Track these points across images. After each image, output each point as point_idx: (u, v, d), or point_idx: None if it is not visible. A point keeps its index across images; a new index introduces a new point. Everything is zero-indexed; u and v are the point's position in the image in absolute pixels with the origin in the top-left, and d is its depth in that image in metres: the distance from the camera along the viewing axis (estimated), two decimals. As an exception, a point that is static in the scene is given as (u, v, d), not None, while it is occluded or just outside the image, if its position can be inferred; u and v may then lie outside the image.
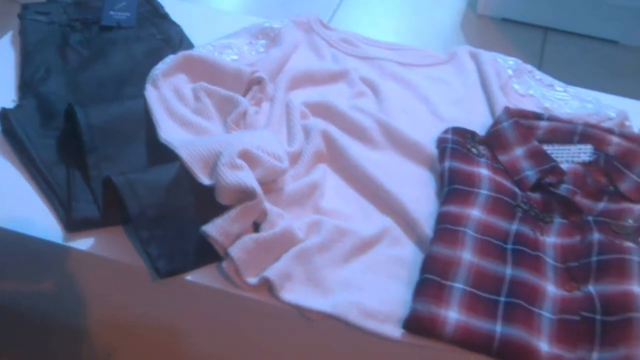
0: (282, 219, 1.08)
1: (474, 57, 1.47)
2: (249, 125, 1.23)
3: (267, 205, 1.07)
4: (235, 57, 1.40)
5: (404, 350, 1.00)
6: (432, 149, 1.24)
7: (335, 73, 1.40)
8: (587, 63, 2.50)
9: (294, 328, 1.04)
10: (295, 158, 1.20)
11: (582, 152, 1.22)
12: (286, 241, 1.05)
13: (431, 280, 1.01)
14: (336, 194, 1.18)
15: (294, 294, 1.02)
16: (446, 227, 1.08)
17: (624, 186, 1.16)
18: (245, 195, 1.05)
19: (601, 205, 1.14)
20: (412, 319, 0.98)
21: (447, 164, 1.18)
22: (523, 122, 1.25)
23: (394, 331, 0.99)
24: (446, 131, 1.25)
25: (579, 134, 1.25)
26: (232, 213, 1.04)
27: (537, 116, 1.27)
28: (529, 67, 1.45)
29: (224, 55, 1.39)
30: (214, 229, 1.03)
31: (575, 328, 0.97)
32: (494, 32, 2.59)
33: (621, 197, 1.16)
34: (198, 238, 1.05)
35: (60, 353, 1.28)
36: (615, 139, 1.24)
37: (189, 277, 1.06)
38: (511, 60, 1.45)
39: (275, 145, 1.14)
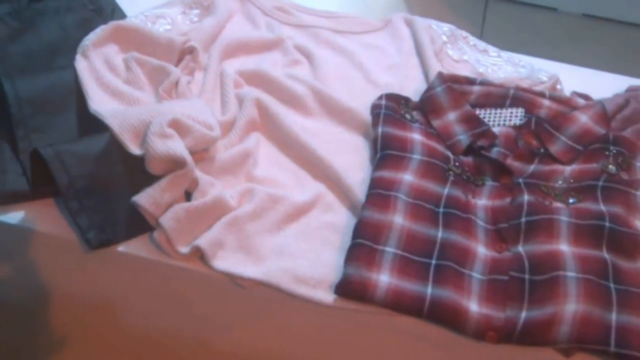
0: (214, 187, 1.07)
1: (409, 24, 1.47)
2: (180, 95, 1.21)
3: (198, 173, 1.07)
4: (168, 27, 1.38)
5: (337, 315, 1.00)
6: (366, 115, 1.24)
7: (270, 41, 1.39)
8: (528, 30, 2.52)
9: (227, 296, 1.04)
10: (228, 127, 1.20)
11: (514, 116, 1.23)
12: (218, 209, 1.05)
13: (363, 244, 1.01)
14: (270, 162, 1.18)
15: (226, 261, 1.02)
16: (378, 192, 1.08)
17: (554, 148, 1.18)
18: (175, 164, 1.04)
19: (532, 168, 1.16)
20: (343, 283, 0.98)
21: (380, 129, 1.18)
22: (456, 87, 1.26)
23: (326, 296, 0.99)
24: (380, 97, 1.25)
25: (510, 97, 1.26)
26: (162, 182, 1.03)
27: (470, 81, 1.28)
28: (463, 33, 1.46)
29: (156, 26, 1.37)
30: (144, 198, 1.02)
31: (505, 288, 0.99)
32: (435, 2, 2.60)
33: (552, 159, 1.17)
34: (129, 208, 1.04)
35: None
36: (546, 102, 1.25)
37: (120, 248, 1.05)
38: (445, 27, 1.45)
39: (206, 114, 1.13)
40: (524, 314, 0.96)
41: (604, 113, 1.23)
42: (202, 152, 1.11)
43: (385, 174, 1.11)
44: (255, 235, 1.04)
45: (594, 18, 2.63)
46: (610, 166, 1.15)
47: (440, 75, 1.27)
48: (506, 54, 1.43)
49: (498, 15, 2.57)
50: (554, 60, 1.46)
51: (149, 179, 1.05)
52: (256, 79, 1.28)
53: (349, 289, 0.98)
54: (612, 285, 0.99)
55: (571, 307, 0.95)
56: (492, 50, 1.44)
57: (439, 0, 2.60)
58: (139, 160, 1.06)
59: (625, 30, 2.61)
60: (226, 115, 1.20)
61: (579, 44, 2.48)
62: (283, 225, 1.07)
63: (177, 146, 1.04)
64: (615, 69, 1.49)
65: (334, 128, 1.24)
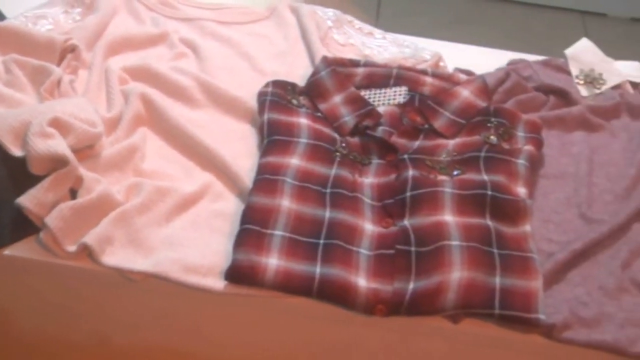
0: (99, 183, 1.06)
1: (295, 11, 1.48)
2: (63, 94, 1.20)
3: (83, 171, 1.06)
4: (50, 27, 1.36)
5: (229, 302, 1.00)
6: (253, 104, 1.25)
7: (154, 36, 1.38)
8: (423, 14, 2.57)
9: (119, 291, 1.03)
10: (114, 123, 1.19)
11: (398, 94, 1.26)
12: (105, 205, 1.04)
13: (251, 230, 1.02)
14: (158, 156, 1.17)
15: (116, 257, 1.01)
16: (265, 177, 1.09)
17: (438, 123, 1.20)
18: (58, 163, 1.03)
19: (417, 144, 1.18)
20: (232, 269, 0.99)
21: (266, 116, 1.19)
22: (340, 70, 1.28)
23: (217, 283, 1.00)
24: (267, 85, 1.26)
25: (394, 77, 1.28)
26: (45, 182, 1.02)
27: (354, 63, 1.30)
28: (348, 17, 1.48)
29: (38, 26, 1.35)
30: (28, 200, 1.01)
31: (391, 261, 1.01)
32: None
33: (436, 134, 1.20)
34: (13, 211, 1.02)
35: None
36: (429, 80, 1.28)
37: (7, 251, 1.03)
38: (330, 12, 1.47)
39: (88, 111, 1.12)
40: (411, 286, 0.98)
41: (485, 87, 1.27)
42: (86, 150, 1.10)
43: (272, 159, 1.12)
44: (144, 229, 1.04)
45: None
46: (492, 137, 1.18)
47: (324, 59, 1.29)
48: (391, 36, 1.45)
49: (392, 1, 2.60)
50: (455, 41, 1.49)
51: (33, 180, 1.03)
52: (141, 74, 1.28)
53: (239, 274, 0.98)
54: (495, 250, 1.02)
55: (456, 274, 0.97)
56: (378, 32, 1.46)
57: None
58: (22, 162, 1.04)
59: (514, 9, 2.68)
60: (112, 112, 1.19)
61: (468, 26, 2.54)
62: (172, 217, 1.07)
63: (59, 145, 1.03)
64: (504, 47, 1.52)
65: (221, 118, 1.24)
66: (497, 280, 0.99)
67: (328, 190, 1.09)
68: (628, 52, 1.57)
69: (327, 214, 1.05)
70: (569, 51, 1.45)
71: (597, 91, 1.38)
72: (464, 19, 2.58)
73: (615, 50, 1.50)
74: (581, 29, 2.61)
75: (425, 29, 2.44)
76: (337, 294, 0.97)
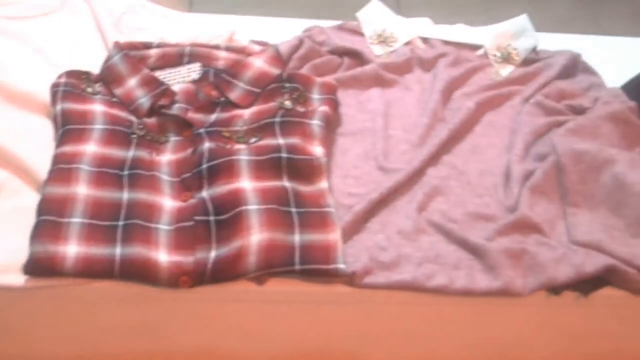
0: None
1: (87, 1, 1.46)
2: None
3: None
4: None
5: (33, 296, 0.99)
6: (47, 96, 1.22)
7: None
8: None
9: None
10: None
11: (192, 72, 1.27)
12: None
13: (47, 221, 1.01)
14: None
15: None
16: (60, 167, 1.08)
17: (234, 95, 1.22)
18: None
19: (214, 117, 1.19)
20: (31, 262, 0.97)
21: (59, 107, 1.18)
22: (134, 53, 1.27)
23: (17, 279, 0.98)
24: (60, 76, 1.24)
25: (188, 55, 1.29)
26: None
27: (147, 46, 1.30)
28: (142, 1, 1.47)
29: None
30: None
31: (191, 233, 1.02)
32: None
33: (233, 105, 1.22)
34: None
35: None
36: (222, 54, 1.29)
37: None
38: (123, -3, 1.45)
39: None
40: (213, 254, 0.99)
41: (278, 55, 1.29)
42: None
43: (67, 148, 1.11)
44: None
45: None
46: (287, 102, 1.21)
47: (116, 44, 1.28)
48: (187, 16, 1.45)
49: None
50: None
51: None
52: None
53: (38, 266, 0.97)
54: (294, 210, 1.05)
55: (256, 237, 0.99)
56: (174, 14, 1.46)
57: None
58: None
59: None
60: None
61: (286, 1, 2.57)
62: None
63: None
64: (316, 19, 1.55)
65: (15, 114, 1.21)
66: (297, 238, 1.01)
67: (126, 173, 1.09)
68: (435, 14, 1.62)
69: (126, 195, 1.05)
70: (360, 14, 1.49)
71: (390, 49, 1.43)
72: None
73: (421, 11, 1.55)
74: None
75: (241, 7, 2.46)
76: (139, 272, 0.98)
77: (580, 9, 2.74)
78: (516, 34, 1.47)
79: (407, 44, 1.45)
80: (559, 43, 1.46)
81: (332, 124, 1.22)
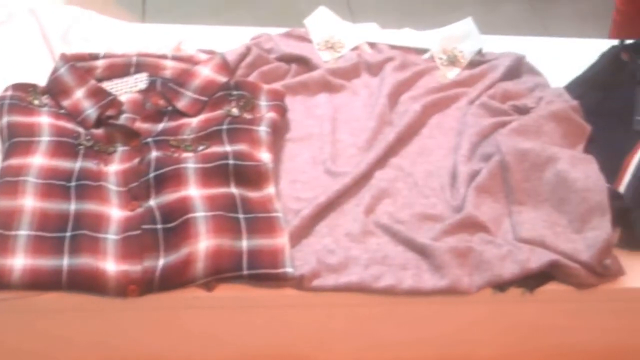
0: None
1: (33, 13, 1.45)
2: None
3: None
4: None
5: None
6: (-7, 111, 1.22)
7: None
8: (192, 3, 2.59)
9: None
10: None
11: (139, 81, 1.27)
12: None
13: (-7, 234, 1.01)
14: None
15: None
16: (6, 180, 1.08)
17: (181, 104, 1.23)
18: None
19: (161, 126, 1.20)
20: (-24, 276, 0.97)
21: (5, 120, 1.17)
22: (80, 64, 1.27)
23: (-37, 295, 0.98)
24: (6, 89, 1.24)
25: (134, 65, 1.29)
26: None
27: (94, 56, 1.30)
28: (89, 13, 1.47)
29: None
30: None
31: (138, 242, 1.02)
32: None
33: (180, 114, 1.22)
34: None
35: None
36: (169, 63, 1.30)
37: None
38: (69, 8, 1.46)
39: None
40: (161, 262, 1.00)
41: (224, 63, 1.30)
42: None
43: (14, 161, 1.11)
44: None
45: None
46: (234, 109, 1.22)
47: (62, 56, 1.28)
48: (135, 26, 1.46)
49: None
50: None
51: None
52: None
53: (-16, 280, 0.97)
54: (241, 215, 1.05)
55: (203, 244, 1.00)
56: (121, 24, 1.46)
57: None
58: None
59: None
60: None
61: (237, 10, 2.58)
62: None
63: None
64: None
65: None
66: (244, 243, 1.02)
67: (73, 184, 1.09)
68: (387, 19, 1.64)
69: (73, 206, 1.05)
70: (307, 20, 1.51)
71: (338, 55, 1.45)
72: (232, 5, 2.62)
73: (373, 17, 1.57)
74: (344, 2, 2.71)
75: (193, 17, 2.47)
76: (87, 283, 0.98)
77: (528, 11, 2.79)
78: (461, 36, 1.49)
79: (354, 49, 1.47)
80: (507, 45, 1.49)
81: (279, 129, 1.23)
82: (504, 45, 1.49)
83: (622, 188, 1.21)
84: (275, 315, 1.06)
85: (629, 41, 1.54)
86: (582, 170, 1.15)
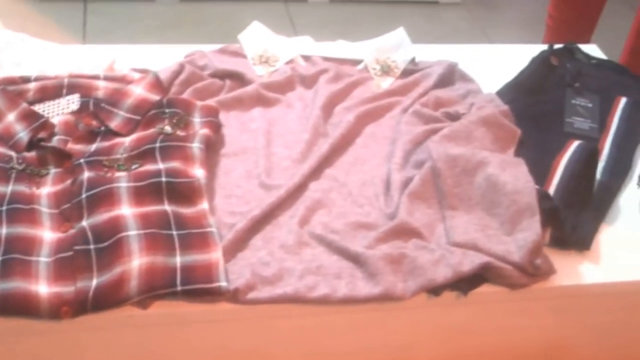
0: None
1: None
2: None
3: None
4: None
5: None
6: None
7: None
8: (130, 23, 2.59)
9: None
10: None
11: (71, 103, 1.27)
12: None
13: None
14: None
15: None
16: None
17: (114, 123, 1.23)
18: None
19: (94, 147, 1.20)
20: None
21: (-64, 148, 1.16)
22: (12, 88, 1.27)
23: None
24: (-64, 117, 1.23)
25: (66, 86, 1.29)
26: None
27: (25, 79, 1.30)
28: (22, 35, 1.46)
29: None
30: None
31: (71, 263, 1.02)
32: (31, 13, 2.57)
33: (113, 134, 1.22)
34: None
35: None
36: (101, 83, 1.30)
37: None
38: (2, 32, 1.45)
39: None
40: (94, 282, 1.00)
41: (157, 81, 1.31)
42: None
43: (-57, 188, 1.10)
44: None
45: (189, 2, 2.77)
46: (167, 127, 1.22)
47: (-9, 80, 1.27)
48: (69, 47, 1.45)
49: (99, 16, 2.60)
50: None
51: None
52: None
53: None
54: (175, 232, 1.06)
55: (136, 262, 1.00)
56: (54, 46, 1.46)
57: (36, 11, 2.57)
58: None
59: (220, 8, 2.77)
60: None
61: (177, 29, 2.59)
62: None
63: None
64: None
65: None
66: (178, 260, 1.03)
67: (4, 208, 1.08)
68: (329, 31, 1.67)
69: (4, 230, 1.05)
70: (241, 36, 1.52)
71: (272, 69, 1.46)
72: (174, 24, 2.63)
73: (316, 30, 1.59)
74: (286, 16, 2.73)
75: (135, 37, 2.47)
76: (19, 306, 0.97)
77: (468, 20, 2.83)
78: (394, 46, 1.51)
79: (289, 62, 1.48)
80: (447, 53, 1.53)
81: (213, 145, 1.24)
82: (444, 54, 1.52)
83: (552, 189, 1.23)
84: (212, 330, 1.07)
85: (557, 46, 1.57)
86: (511, 174, 1.17)
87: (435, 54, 1.53)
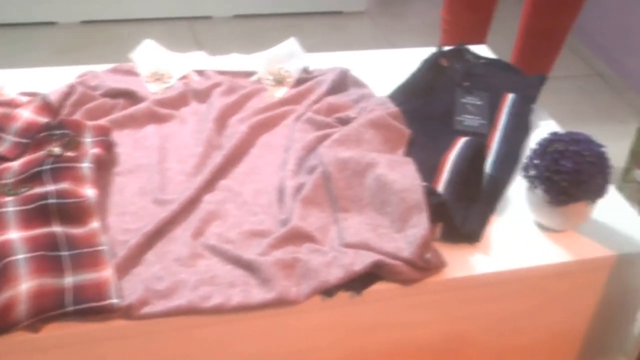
0: None
1: None
2: None
3: None
4: None
5: None
6: None
7: None
8: (35, 46, 2.57)
9: None
10: None
11: (-43, 131, 1.25)
12: None
13: None
14: None
15: None
16: None
17: (1, 148, 1.23)
18: None
19: (-14, 174, 1.19)
20: None
21: None
22: None
23: None
24: None
25: (-48, 115, 1.27)
26: None
27: None
28: None
29: None
30: None
31: None
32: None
33: (1, 159, 1.21)
34: None
35: None
36: (-13, 109, 1.29)
37: None
38: None
39: None
40: None
41: (46, 104, 1.30)
42: None
43: None
44: None
45: (92, 23, 2.76)
46: (56, 149, 1.22)
47: None
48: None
49: (-1, 42, 2.58)
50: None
51: None
52: None
53: None
54: (64, 253, 1.06)
55: (24, 285, 1.00)
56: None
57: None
58: None
59: (117, 29, 2.76)
60: None
61: (77, 53, 2.58)
62: None
63: None
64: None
65: None
66: (68, 280, 1.02)
67: None
68: (234, 46, 1.68)
69: None
70: (134, 54, 1.52)
71: (166, 85, 1.47)
72: (76, 46, 2.61)
73: (222, 46, 1.60)
74: (191, 34, 2.73)
75: (38, 60, 2.45)
76: None
77: (372, 27, 2.88)
78: (286, 56, 1.54)
79: (183, 78, 1.49)
80: (349, 60, 1.60)
81: (104, 164, 1.24)
82: (345, 61, 1.57)
83: (441, 185, 1.26)
84: (108, 348, 1.06)
85: (447, 47, 1.62)
86: (399, 172, 1.20)
87: (337, 62, 1.56)
